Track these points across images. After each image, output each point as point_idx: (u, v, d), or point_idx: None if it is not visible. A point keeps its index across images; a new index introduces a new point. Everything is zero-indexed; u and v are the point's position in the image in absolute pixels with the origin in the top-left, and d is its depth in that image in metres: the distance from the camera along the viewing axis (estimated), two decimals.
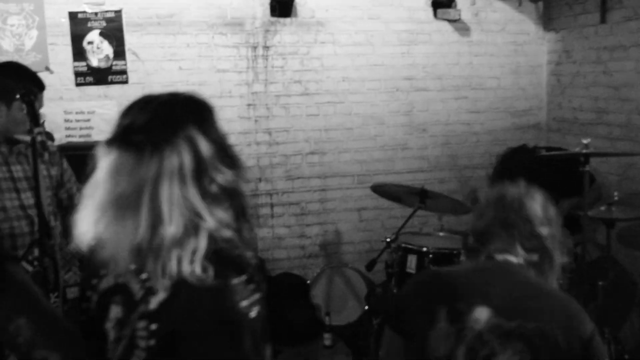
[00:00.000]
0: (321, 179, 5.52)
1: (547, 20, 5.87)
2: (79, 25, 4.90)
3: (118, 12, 4.95)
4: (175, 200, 1.39)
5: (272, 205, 5.43)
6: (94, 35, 4.93)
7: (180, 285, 1.39)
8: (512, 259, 2.09)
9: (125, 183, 1.40)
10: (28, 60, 4.79)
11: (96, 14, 4.91)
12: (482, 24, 5.74)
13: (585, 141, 3.86)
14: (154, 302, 1.42)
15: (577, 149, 3.90)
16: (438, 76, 5.68)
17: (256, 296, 1.42)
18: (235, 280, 1.40)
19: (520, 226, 2.09)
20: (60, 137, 4.88)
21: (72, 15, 4.88)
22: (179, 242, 1.40)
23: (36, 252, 2.77)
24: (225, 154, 1.49)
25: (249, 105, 5.29)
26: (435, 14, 5.61)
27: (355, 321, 4.92)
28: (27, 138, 3.00)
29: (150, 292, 1.42)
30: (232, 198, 1.48)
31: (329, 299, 5.10)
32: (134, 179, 1.40)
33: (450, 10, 5.58)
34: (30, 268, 2.78)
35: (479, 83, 5.79)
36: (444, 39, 5.66)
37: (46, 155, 3.11)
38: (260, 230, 5.43)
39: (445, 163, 5.75)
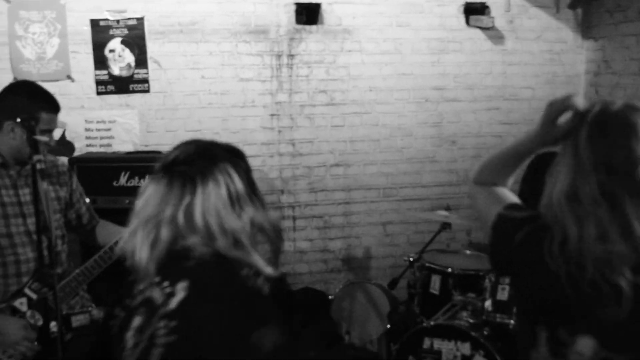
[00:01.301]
0: (345, 192, 5.37)
1: (585, 28, 5.62)
2: (100, 33, 4.83)
3: (140, 20, 4.87)
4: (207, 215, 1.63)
5: (294, 218, 5.30)
6: (115, 43, 4.85)
7: (197, 283, 1.56)
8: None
9: (164, 205, 1.64)
10: (49, 68, 4.75)
11: (118, 21, 4.84)
12: (517, 31, 5.51)
13: None
14: (173, 303, 1.53)
15: None
16: (469, 86, 5.47)
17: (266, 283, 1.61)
18: (245, 272, 1.60)
19: None
20: (81, 146, 4.84)
21: (94, 23, 4.82)
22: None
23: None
24: (254, 193, 1.73)
25: (272, 115, 5.16)
26: (467, 21, 5.41)
27: (376, 340, 4.77)
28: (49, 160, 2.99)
29: (170, 295, 1.55)
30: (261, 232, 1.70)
31: (351, 315, 4.96)
32: (172, 201, 1.64)
33: (484, 18, 5.36)
34: (34, 296, 2.74)
35: (512, 93, 5.56)
36: (476, 48, 5.45)
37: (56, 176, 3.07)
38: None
39: None
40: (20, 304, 2.72)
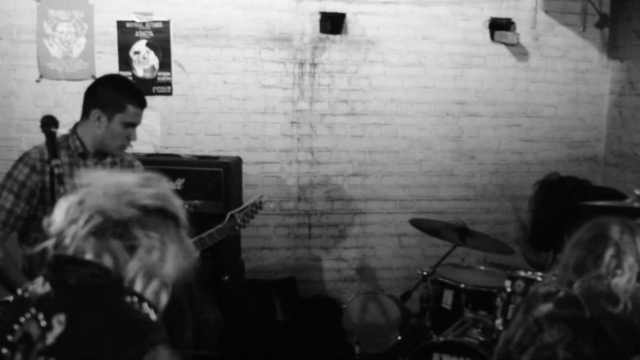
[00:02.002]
0: (362, 202, 5.37)
1: (612, 48, 5.57)
2: (126, 34, 4.89)
3: (166, 23, 4.91)
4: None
5: (310, 226, 5.31)
6: (140, 45, 4.91)
7: (74, 316, 1.45)
8: None
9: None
10: (75, 67, 4.81)
11: (144, 24, 4.89)
12: (542, 48, 5.49)
13: (638, 192, 3.60)
14: (50, 338, 1.44)
15: (629, 200, 3.65)
16: (491, 102, 5.45)
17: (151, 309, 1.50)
18: (129, 299, 1.48)
19: None
20: None
21: (120, 25, 4.88)
22: None
23: None
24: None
25: (292, 122, 5.18)
26: (492, 37, 5.39)
27: (386, 352, 4.76)
28: (119, 153, 3.04)
29: (47, 329, 1.46)
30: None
31: (362, 325, 4.95)
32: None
33: (509, 34, 5.34)
34: None
35: (534, 111, 5.53)
36: (500, 63, 5.43)
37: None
38: (296, 251, 5.33)
39: (492, 192, 5.52)
40: None
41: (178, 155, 4.69)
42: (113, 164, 3.05)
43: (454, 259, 4.65)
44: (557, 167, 5.52)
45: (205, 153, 4.87)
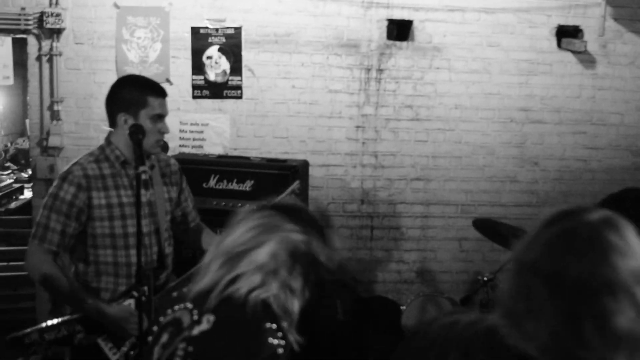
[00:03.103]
0: (424, 206, 5.46)
1: None
2: (200, 40, 5.08)
3: (238, 29, 5.08)
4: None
5: (372, 228, 5.43)
6: (213, 51, 5.09)
7: (220, 321, 1.70)
8: None
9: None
10: (150, 71, 5.02)
11: (217, 30, 5.07)
12: (610, 56, 5.46)
13: None
14: (196, 330, 1.70)
15: None
16: (556, 109, 5.46)
17: (283, 342, 1.70)
18: (269, 325, 1.70)
19: None
20: (174, 146, 5.09)
21: (195, 30, 5.07)
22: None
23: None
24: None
25: (357, 127, 5.30)
26: (559, 44, 5.39)
27: None
28: (156, 152, 3.02)
29: (196, 322, 1.72)
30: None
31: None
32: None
33: (576, 41, 5.33)
34: (142, 298, 2.62)
35: (600, 118, 5.52)
36: (566, 71, 5.43)
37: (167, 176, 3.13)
38: (358, 252, 5.45)
39: (555, 199, 5.53)
40: (129, 304, 2.80)
41: (247, 158, 4.85)
42: (152, 167, 2.98)
43: None
44: (622, 175, 5.52)
45: (272, 155, 5.03)
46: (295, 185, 3.63)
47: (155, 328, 1.82)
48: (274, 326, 1.70)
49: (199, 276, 1.82)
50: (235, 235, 1.81)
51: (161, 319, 1.82)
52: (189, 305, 1.77)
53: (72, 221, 2.83)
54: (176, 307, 1.79)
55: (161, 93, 2.95)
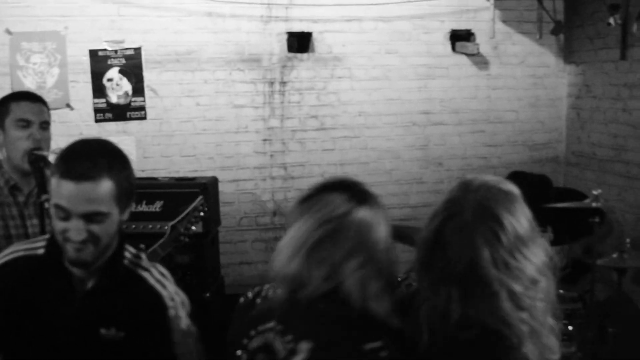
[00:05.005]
0: None
1: (567, 53, 5.83)
2: (99, 62, 5.01)
3: (138, 50, 5.05)
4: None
5: None
6: (113, 73, 5.04)
7: (320, 349, 1.51)
8: None
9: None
10: (49, 97, 4.89)
11: (116, 51, 5.02)
12: (501, 57, 5.72)
13: (595, 192, 3.85)
14: None
15: (588, 200, 3.89)
16: (455, 110, 5.67)
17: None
18: (369, 345, 1.50)
19: None
20: None
21: (93, 53, 5.00)
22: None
23: None
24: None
25: (264, 140, 5.36)
26: (453, 48, 5.61)
27: None
28: (26, 166, 2.67)
29: (292, 352, 1.52)
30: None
31: None
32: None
33: (469, 44, 5.56)
34: None
35: (496, 116, 5.77)
36: (461, 73, 5.65)
37: None
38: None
39: None
40: None
41: (155, 178, 4.83)
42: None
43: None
44: (521, 168, 5.76)
45: (181, 174, 5.02)
46: (198, 201, 3.59)
47: (239, 352, 1.61)
48: (376, 344, 1.51)
49: (277, 279, 1.61)
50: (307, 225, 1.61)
51: (244, 341, 1.61)
52: (278, 327, 1.57)
53: None
54: (260, 328, 1.59)
55: (25, 97, 2.73)
